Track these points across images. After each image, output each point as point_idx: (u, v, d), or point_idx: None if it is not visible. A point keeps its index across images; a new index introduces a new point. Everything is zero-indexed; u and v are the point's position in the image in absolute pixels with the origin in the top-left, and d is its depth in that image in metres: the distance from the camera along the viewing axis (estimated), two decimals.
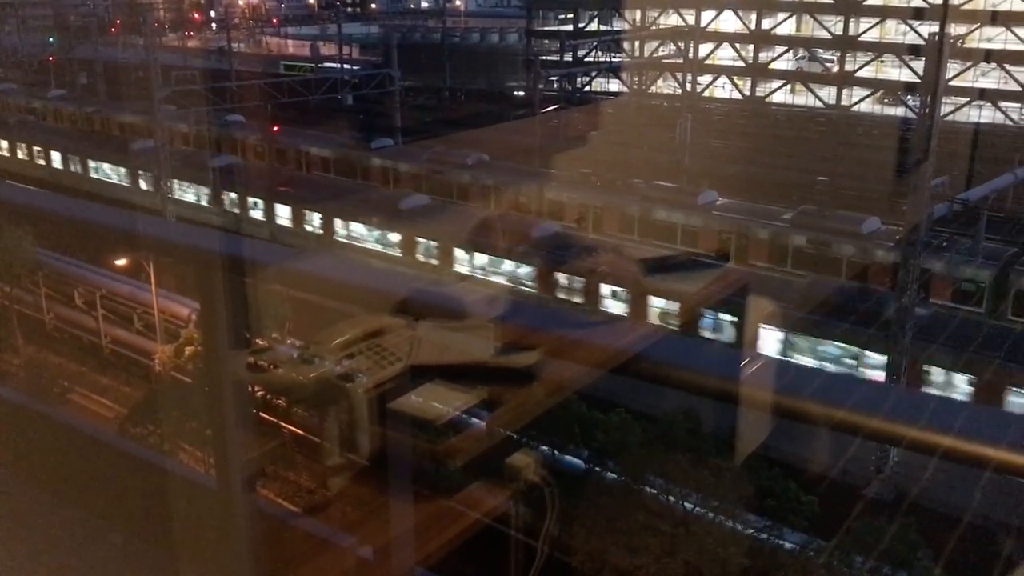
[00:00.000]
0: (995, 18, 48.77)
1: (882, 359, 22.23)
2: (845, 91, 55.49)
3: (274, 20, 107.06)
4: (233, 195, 37.94)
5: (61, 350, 26.58)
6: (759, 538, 15.32)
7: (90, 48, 69.08)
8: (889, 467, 20.13)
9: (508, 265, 25.05)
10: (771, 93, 58.68)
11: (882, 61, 54.43)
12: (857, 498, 18.74)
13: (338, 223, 34.23)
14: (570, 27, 67.33)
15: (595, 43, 60.27)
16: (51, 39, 75.80)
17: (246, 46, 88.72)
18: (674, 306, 19.65)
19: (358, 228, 33.56)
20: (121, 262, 26.94)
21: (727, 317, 19.34)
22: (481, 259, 25.84)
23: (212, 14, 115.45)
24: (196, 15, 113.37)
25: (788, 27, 58.34)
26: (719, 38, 59.29)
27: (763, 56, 58.99)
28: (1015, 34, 48.47)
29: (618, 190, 33.80)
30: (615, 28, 63.86)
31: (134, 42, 68.02)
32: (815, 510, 15.75)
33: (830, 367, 22.02)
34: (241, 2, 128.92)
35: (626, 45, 61.69)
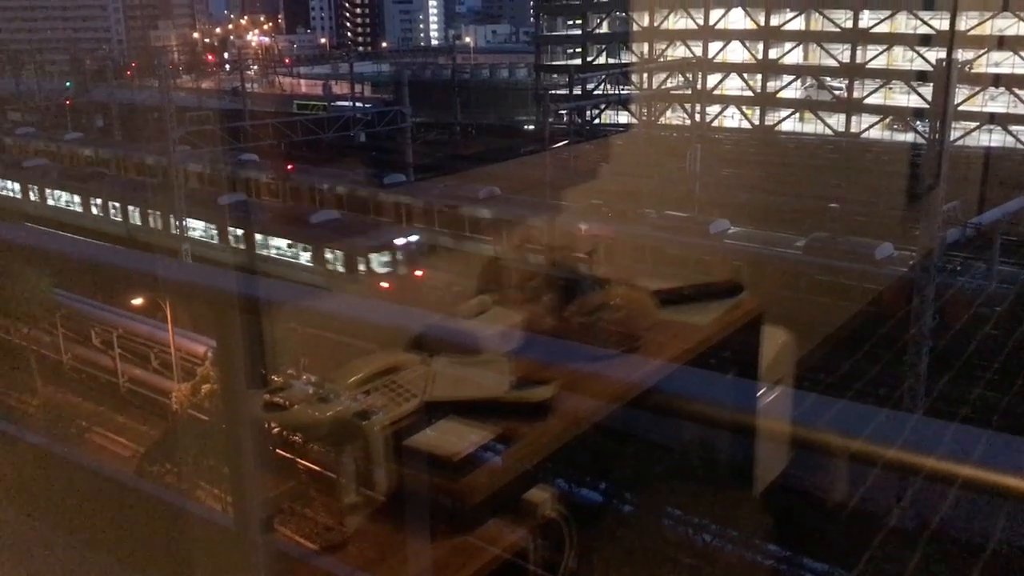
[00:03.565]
0: (1002, 43, 48.87)
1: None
2: (854, 118, 55.58)
3: (286, 60, 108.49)
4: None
5: (78, 390, 26.69)
6: (780, 569, 15.12)
7: (106, 91, 70.15)
8: (908, 496, 19.86)
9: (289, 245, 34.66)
10: (780, 122, 58.84)
11: (890, 88, 54.56)
12: (878, 527, 18.48)
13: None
14: (579, 61, 67.95)
15: (604, 76, 60.71)
16: (68, 83, 77.02)
17: (259, 86, 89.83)
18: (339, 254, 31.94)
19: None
20: (137, 301, 27.09)
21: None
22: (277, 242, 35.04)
23: (225, 55, 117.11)
24: (210, 57, 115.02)
25: (795, 56, 58.64)
26: (727, 68, 59.64)
27: (771, 85, 59.24)
28: (1023, 58, 48.50)
29: (629, 220, 33.88)
30: (623, 61, 64.40)
31: (149, 84, 69.03)
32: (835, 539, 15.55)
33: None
34: (254, 43, 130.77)
35: (634, 77, 62.11)
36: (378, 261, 32.73)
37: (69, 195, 46.84)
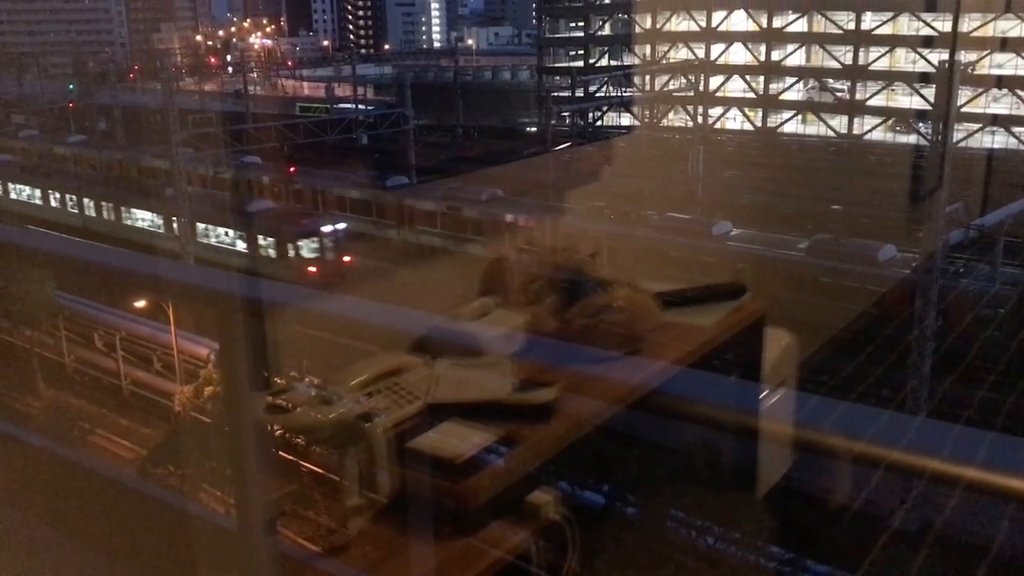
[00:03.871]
0: (1005, 44, 48.86)
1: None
2: (856, 120, 55.58)
3: (289, 63, 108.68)
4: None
5: (81, 392, 26.72)
6: (783, 571, 15.10)
7: (109, 94, 70.25)
8: (912, 498, 19.83)
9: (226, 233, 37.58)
10: (782, 123, 58.85)
11: (893, 89, 54.55)
12: (882, 530, 18.46)
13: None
14: (581, 63, 67.98)
15: (606, 78, 60.77)
16: (71, 86, 77.17)
17: (262, 88, 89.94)
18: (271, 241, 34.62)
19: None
20: (140, 304, 27.12)
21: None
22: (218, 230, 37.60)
23: (228, 58, 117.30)
24: (212, 59, 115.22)
25: (798, 58, 58.66)
26: (729, 70, 59.66)
27: (773, 87, 59.25)
28: None
29: (632, 222, 33.88)
30: (625, 63, 64.43)
31: (152, 87, 69.14)
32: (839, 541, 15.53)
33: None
34: (256, 45, 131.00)
35: (637, 79, 62.16)
36: (306, 247, 34.94)
37: (31, 189, 49.26)
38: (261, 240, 36.08)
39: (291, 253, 34.93)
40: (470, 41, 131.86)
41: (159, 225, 40.33)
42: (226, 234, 37.68)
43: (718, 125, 59.18)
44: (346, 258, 35.35)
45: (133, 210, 41.10)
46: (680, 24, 63.07)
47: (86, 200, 44.81)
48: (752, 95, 59.99)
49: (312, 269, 34.34)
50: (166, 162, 44.87)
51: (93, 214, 43.97)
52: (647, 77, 61.68)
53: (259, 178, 46.83)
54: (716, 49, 60.37)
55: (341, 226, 36.38)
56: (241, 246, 36.74)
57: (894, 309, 27.52)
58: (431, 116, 66.92)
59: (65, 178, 48.30)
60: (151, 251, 34.46)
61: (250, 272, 33.09)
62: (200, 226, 37.94)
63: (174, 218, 37.83)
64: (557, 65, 71.94)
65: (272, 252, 35.61)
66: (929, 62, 48.44)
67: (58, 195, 46.91)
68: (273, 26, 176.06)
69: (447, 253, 36.67)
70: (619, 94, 61.45)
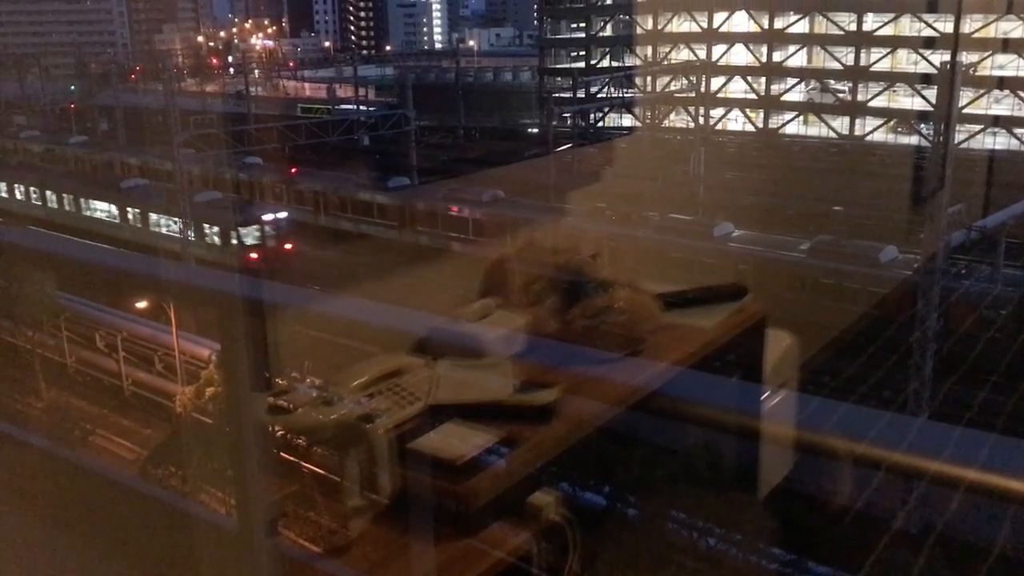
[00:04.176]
0: (1007, 45, 48.83)
1: None
2: (858, 121, 55.55)
3: (290, 64, 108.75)
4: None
5: (82, 393, 26.74)
6: (784, 573, 15.09)
7: (110, 94, 70.25)
8: (913, 500, 19.82)
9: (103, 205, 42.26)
10: (784, 125, 58.82)
11: (894, 90, 54.52)
12: (883, 531, 18.45)
13: None
14: (582, 64, 67.98)
15: (607, 79, 60.77)
16: (72, 86, 77.18)
17: (263, 89, 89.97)
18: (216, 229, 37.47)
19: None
20: (142, 305, 27.15)
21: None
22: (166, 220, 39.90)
23: (230, 59, 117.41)
24: (214, 60, 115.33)
25: (799, 59, 58.64)
26: (731, 71, 59.64)
27: (775, 88, 59.24)
28: None
29: (633, 223, 33.87)
30: (627, 64, 64.42)
31: (153, 88, 69.14)
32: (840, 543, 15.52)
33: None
34: (258, 46, 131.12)
35: (638, 80, 62.17)
36: (248, 235, 37.40)
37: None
38: (207, 228, 38.46)
39: (234, 240, 37.42)
40: (471, 42, 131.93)
41: (115, 215, 43.27)
42: (174, 222, 39.62)
43: (719, 126, 59.15)
44: (287, 245, 37.02)
45: (92, 202, 44.42)
46: (681, 25, 63.05)
47: (48, 193, 47.22)
48: (753, 96, 59.96)
49: (253, 256, 36.51)
50: (131, 157, 50.54)
51: (61, 207, 46.47)
52: (648, 78, 61.66)
53: (259, 179, 46.92)
54: (717, 50, 60.35)
55: (282, 215, 38.66)
56: (190, 234, 38.64)
57: (896, 310, 27.50)
58: (432, 117, 66.91)
59: (29, 172, 50.81)
60: (106, 240, 35.85)
61: (200, 260, 35.15)
62: (152, 216, 40.66)
63: (127, 208, 41.79)
64: (558, 66, 71.91)
65: (217, 240, 38.11)
66: (931, 63, 48.40)
67: (23, 188, 49.17)
68: (274, 27, 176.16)
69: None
70: (620, 95, 61.45)
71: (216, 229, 38.32)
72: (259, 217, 37.56)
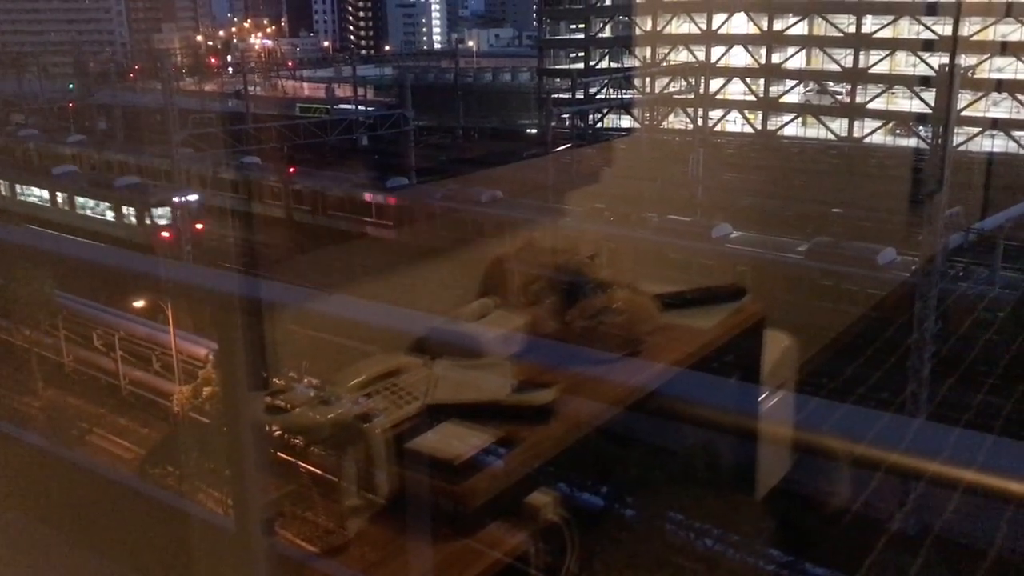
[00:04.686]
0: (1005, 48, 48.88)
1: None
2: (857, 123, 55.58)
3: (289, 63, 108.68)
4: None
5: (80, 392, 26.70)
6: (782, 574, 15.08)
7: (109, 93, 70.19)
8: (911, 501, 19.83)
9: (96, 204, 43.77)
10: (783, 126, 58.85)
11: (893, 93, 54.56)
12: (881, 532, 18.46)
13: None
14: (581, 65, 68.00)
15: (606, 80, 60.78)
16: (71, 85, 77.08)
17: (262, 89, 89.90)
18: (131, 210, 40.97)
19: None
20: (139, 304, 27.14)
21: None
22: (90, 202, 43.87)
23: (228, 58, 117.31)
24: (213, 60, 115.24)
25: (798, 61, 58.67)
26: (729, 73, 59.66)
27: (774, 90, 59.27)
28: None
29: (632, 224, 33.87)
30: (626, 65, 64.44)
31: (152, 87, 69.11)
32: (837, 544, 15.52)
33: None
34: (257, 46, 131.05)
35: (637, 81, 62.17)
36: (158, 214, 40.97)
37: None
38: (124, 210, 42.50)
39: (147, 220, 41.11)
40: (470, 42, 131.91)
41: (47, 200, 46.79)
42: (97, 206, 44.08)
43: (718, 128, 59.17)
44: (198, 225, 40.11)
45: (29, 188, 48.54)
46: (681, 26, 63.07)
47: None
48: (752, 98, 59.99)
49: (165, 234, 40.14)
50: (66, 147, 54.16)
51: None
52: (647, 79, 61.67)
53: (256, 178, 46.96)
54: (716, 52, 60.37)
55: (193, 197, 41.55)
56: (110, 215, 43.22)
57: (894, 312, 27.52)
58: (431, 117, 66.90)
59: None
60: (38, 222, 40.37)
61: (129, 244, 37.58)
62: (79, 199, 44.75)
63: (57, 193, 45.83)
64: (557, 67, 71.91)
65: (133, 220, 42.03)
66: (929, 66, 48.44)
67: None
68: (273, 27, 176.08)
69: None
70: (619, 96, 61.47)
71: (131, 210, 42.19)
72: (170, 199, 40.59)
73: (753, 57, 59.64)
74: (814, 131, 57.75)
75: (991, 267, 27.92)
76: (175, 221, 39.82)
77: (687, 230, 33.39)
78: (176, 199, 39.96)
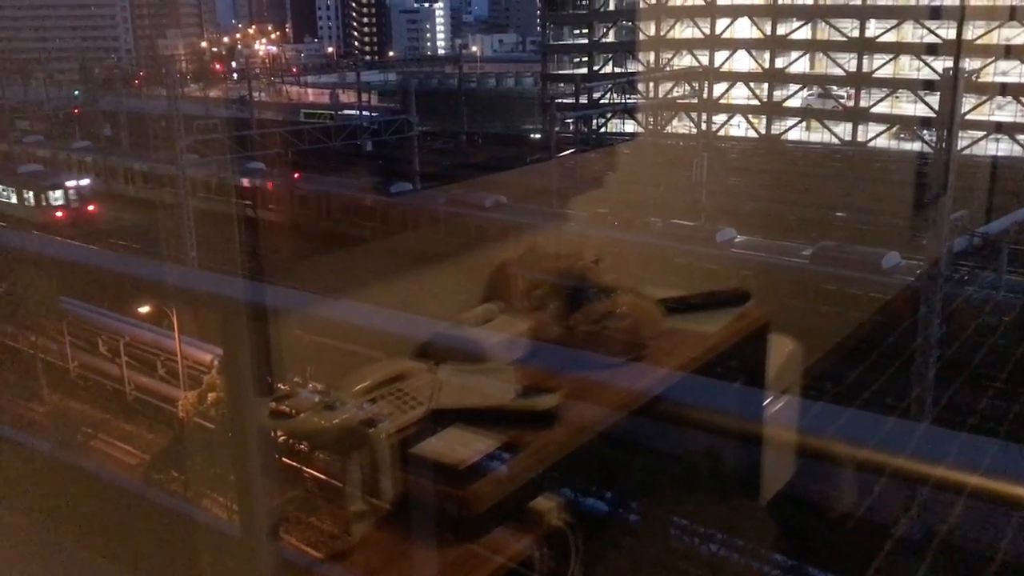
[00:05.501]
0: (1009, 52, 48.85)
1: None
2: (860, 127, 55.55)
3: (294, 69, 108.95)
4: None
5: (85, 397, 26.75)
6: None
7: (114, 100, 70.39)
8: (916, 505, 19.77)
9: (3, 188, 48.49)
10: (786, 131, 58.83)
11: (897, 97, 54.54)
12: (886, 537, 18.40)
13: None
14: (585, 70, 68.06)
15: (610, 85, 60.83)
16: (76, 92, 77.31)
17: (267, 95, 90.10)
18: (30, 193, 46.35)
19: None
20: (144, 309, 27.18)
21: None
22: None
23: (233, 64, 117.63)
24: (217, 66, 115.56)
25: (802, 65, 58.67)
26: (733, 77, 59.68)
27: (777, 94, 59.27)
28: None
29: (635, 229, 33.88)
30: (629, 70, 64.50)
31: (157, 93, 69.26)
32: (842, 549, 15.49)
33: None
34: (261, 52, 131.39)
35: (641, 86, 62.22)
36: (53, 196, 46.35)
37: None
38: (25, 193, 47.58)
39: (44, 202, 46.14)
40: (474, 48, 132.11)
41: None
42: (3, 190, 49.13)
43: (722, 132, 59.18)
44: (90, 207, 46.25)
45: None
46: (684, 31, 63.12)
47: None
48: (756, 102, 60.00)
49: (59, 214, 45.38)
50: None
51: None
52: (651, 84, 61.71)
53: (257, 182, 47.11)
54: (720, 56, 60.40)
55: (84, 182, 48.39)
56: (13, 198, 48.12)
57: (898, 316, 27.47)
58: (435, 123, 66.99)
59: None
60: None
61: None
62: None
63: None
64: (561, 72, 71.98)
65: (32, 201, 46.96)
66: (933, 69, 48.44)
67: None
68: (278, 33, 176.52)
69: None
70: (623, 101, 61.50)
71: (31, 193, 47.32)
72: (64, 183, 46.90)
73: (757, 61, 59.66)
74: (818, 135, 57.74)
75: (996, 271, 27.85)
76: (67, 203, 46.22)
77: (691, 234, 33.38)
78: (68, 183, 46.76)
